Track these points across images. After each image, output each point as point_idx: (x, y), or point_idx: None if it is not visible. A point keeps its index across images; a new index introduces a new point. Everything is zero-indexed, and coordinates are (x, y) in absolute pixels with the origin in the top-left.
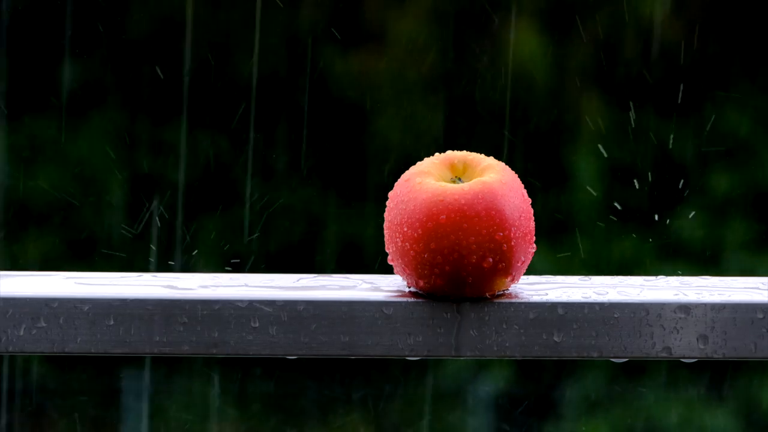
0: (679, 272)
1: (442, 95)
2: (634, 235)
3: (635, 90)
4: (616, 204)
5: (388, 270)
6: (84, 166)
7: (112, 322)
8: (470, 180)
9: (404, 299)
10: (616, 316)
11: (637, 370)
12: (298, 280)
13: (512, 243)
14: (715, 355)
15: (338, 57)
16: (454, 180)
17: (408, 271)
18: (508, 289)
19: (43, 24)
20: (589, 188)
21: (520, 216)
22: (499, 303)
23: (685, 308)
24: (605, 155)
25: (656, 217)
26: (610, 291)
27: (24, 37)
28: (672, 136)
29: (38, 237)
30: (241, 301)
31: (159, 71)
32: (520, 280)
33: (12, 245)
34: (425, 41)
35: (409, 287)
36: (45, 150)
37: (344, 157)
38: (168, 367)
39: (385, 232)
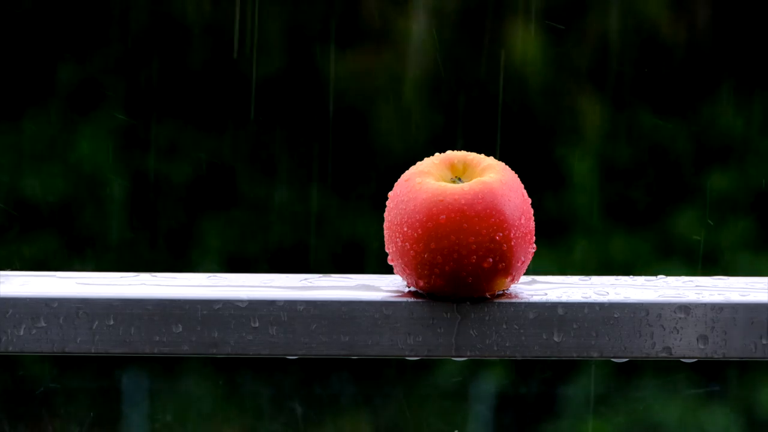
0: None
1: (442, 95)
2: (634, 235)
3: (634, 89)
4: (615, 204)
5: (388, 270)
6: (84, 165)
7: (112, 322)
8: (470, 180)
9: (404, 299)
10: (616, 316)
11: (637, 370)
12: (298, 281)
13: (512, 243)
14: (715, 355)
15: (338, 56)
16: (454, 180)
17: (408, 271)
18: (508, 289)
19: (44, 23)
20: (588, 188)
21: (520, 216)
22: (499, 303)
23: (685, 308)
24: (604, 155)
25: (656, 217)
26: (610, 291)
27: (24, 36)
28: (670, 136)
29: (38, 237)
30: (241, 301)
31: (159, 71)
32: (520, 280)
33: (12, 245)
34: (425, 41)
35: (409, 287)
36: (45, 150)
37: (344, 157)
38: (168, 367)
39: (385, 232)
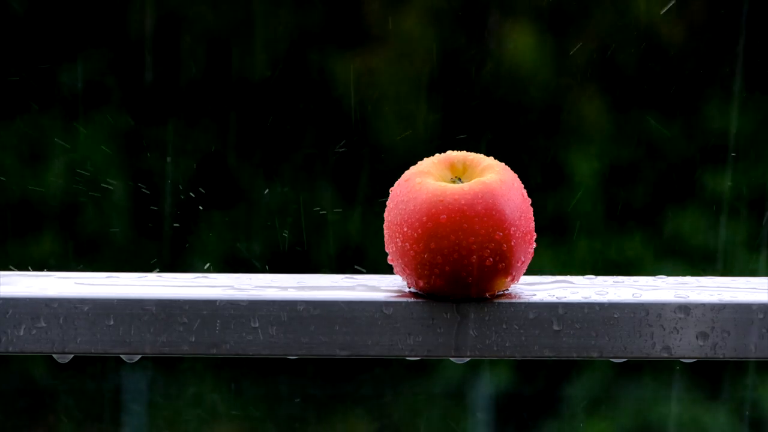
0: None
1: (442, 95)
2: (634, 235)
3: (634, 89)
4: (615, 204)
5: (388, 270)
6: (85, 165)
7: (112, 322)
8: (470, 180)
9: (404, 299)
10: (616, 316)
11: (636, 370)
12: (298, 281)
13: (512, 243)
14: (715, 355)
15: (338, 57)
16: (454, 180)
17: (408, 271)
18: (508, 289)
19: (44, 23)
20: (588, 188)
21: (520, 216)
22: (499, 303)
23: (685, 308)
24: (605, 154)
25: (656, 217)
26: (610, 291)
27: (25, 37)
28: (671, 135)
29: (39, 237)
30: (241, 301)
31: (159, 71)
32: (520, 280)
33: (13, 245)
34: (425, 41)
35: (409, 287)
36: (46, 150)
37: (344, 157)
38: (168, 367)
39: (385, 232)
